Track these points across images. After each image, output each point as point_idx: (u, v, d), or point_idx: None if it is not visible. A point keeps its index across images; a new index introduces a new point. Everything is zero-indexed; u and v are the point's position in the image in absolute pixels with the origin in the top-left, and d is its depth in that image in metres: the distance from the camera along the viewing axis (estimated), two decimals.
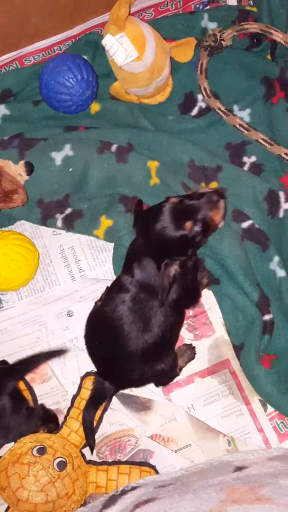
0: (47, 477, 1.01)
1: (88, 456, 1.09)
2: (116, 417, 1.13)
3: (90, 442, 1.07)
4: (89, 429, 1.06)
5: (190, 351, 1.15)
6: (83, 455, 1.08)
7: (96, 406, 1.08)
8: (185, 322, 1.18)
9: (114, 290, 1.03)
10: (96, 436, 1.11)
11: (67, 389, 1.15)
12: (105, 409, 1.11)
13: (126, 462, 1.08)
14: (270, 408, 1.12)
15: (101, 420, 1.12)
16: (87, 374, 1.13)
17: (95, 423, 1.10)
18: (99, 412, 1.10)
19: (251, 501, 0.56)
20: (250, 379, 1.11)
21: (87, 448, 1.08)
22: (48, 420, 1.10)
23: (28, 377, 1.15)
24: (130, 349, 0.97)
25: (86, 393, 1.10)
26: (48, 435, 1.08)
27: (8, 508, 1.04)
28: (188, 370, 1.15)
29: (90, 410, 1.06)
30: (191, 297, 1.08)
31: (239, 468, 0.77)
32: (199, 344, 1.17)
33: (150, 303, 0.97)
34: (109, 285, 1.17)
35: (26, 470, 1.01)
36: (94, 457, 1.10)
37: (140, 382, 1.08)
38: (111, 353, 1.01)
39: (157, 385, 1.12)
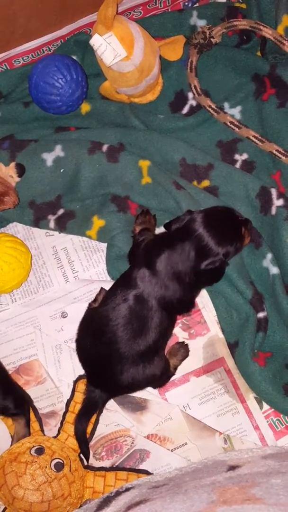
0: (44, 477, 1.01)
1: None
2: (112, 417, 1.12)
3: (84, 451, 1.06)
4: (82, 440, 1.05)
5: (184, 349, 1.14)
6: (81, 460, 1.08)
7: (88, 416, 1.06)
8: (179, 321, 1.18)
9: (119, 286, 1.02)
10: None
11: (62, 391, 1.14)
12: (100, 412, 1.11)
13: (124, 469, 1.08)
14: (265, 406, 1.12)
15: (97, 422, 1.11)
16: (80, 377, 1.13)
17: (91, 426, 1.10)
18: (94, 415, 1.10)
19: (241, 501, 0.56)
20: (245, 377, 1.11)
21: None
22: (22, 405, 1.09)
23: (22, 379, 1.15)
24: (123, 350, 0.97)
25: (80, 397, 1.10)
26: (47, 437, 1.08)
27: (5, 508, 1.04)
28: (183, 369, 1.15)
29: (82, 420, 1.05)
30: (187, 304, 1.08)
31: (232, 467, 0.76)
32: (194, 342, 1.17)
33: (151, 303, 0.97)
34: (103, 286, 1.18)
35: (23, 468, 1.02)
36: (90, 458, 1.10)
37: (131, 388, 1.06)
38: (102, 355, 1.00)
39: (153, 387, 1.11)
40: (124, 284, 1.01)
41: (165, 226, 1.06)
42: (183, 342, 1.16)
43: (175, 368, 1.13)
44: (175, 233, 1.01)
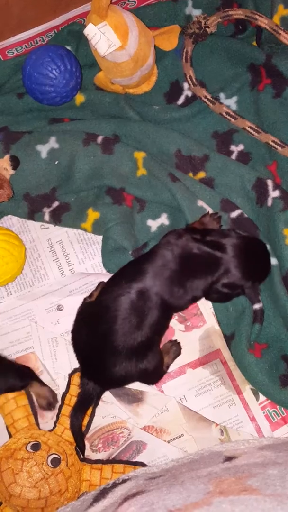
0: (41, 474, 1.01)
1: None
2: (108, 409, 1.13)
3: (80, 445, 1.06)
4: (78, 434, 1.05)
5: (176, 347, 1.14)
6: (77, 453, 1.08)
7: (83, 409, 1.06)
8: (175, 313, 1.18)
9: (123, 277, 1.01)
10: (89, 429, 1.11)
11: (58, 384, 1.14)
12: (96, 404, 1.11)
13: (120, 461, 1.08)
14: (262, 397, 1.12)
15: (94, 415, 1.12)
16: (75, 370, 1.13)
17: (87, 418, 1.10)
18: (90, 407, 1.09)
19: (237, 492, 0.56)
20: (242, 368, 1.11)
21: None
22: (25, 376, 1.09)
23: None
24: (117, 343, 0.96)
25: (75, 390, 1.09)
26: (42, 432, 1.08)
27: (0, 503, 1.04)
28: (179, 361, 1.15)
29: (77, 415, 1.05)
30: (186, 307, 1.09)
31: (229, 458, 0.76)
32: (190, 335, 1.17)
33: (154, 302, 0.97)
34: (99, 279, 1.17)
35: (20, 465, 1.01)
36: (87, 450, 1.10)
37: (123, 381, 1.06)
38: (97, 346, 0.99)
39: (145, 383, 1.11)
40: (131, 276, 0.99)
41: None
42: (175, 340, 1.15)
43: (167, 367, 1.13)
44: (209, 246, 1.00)
